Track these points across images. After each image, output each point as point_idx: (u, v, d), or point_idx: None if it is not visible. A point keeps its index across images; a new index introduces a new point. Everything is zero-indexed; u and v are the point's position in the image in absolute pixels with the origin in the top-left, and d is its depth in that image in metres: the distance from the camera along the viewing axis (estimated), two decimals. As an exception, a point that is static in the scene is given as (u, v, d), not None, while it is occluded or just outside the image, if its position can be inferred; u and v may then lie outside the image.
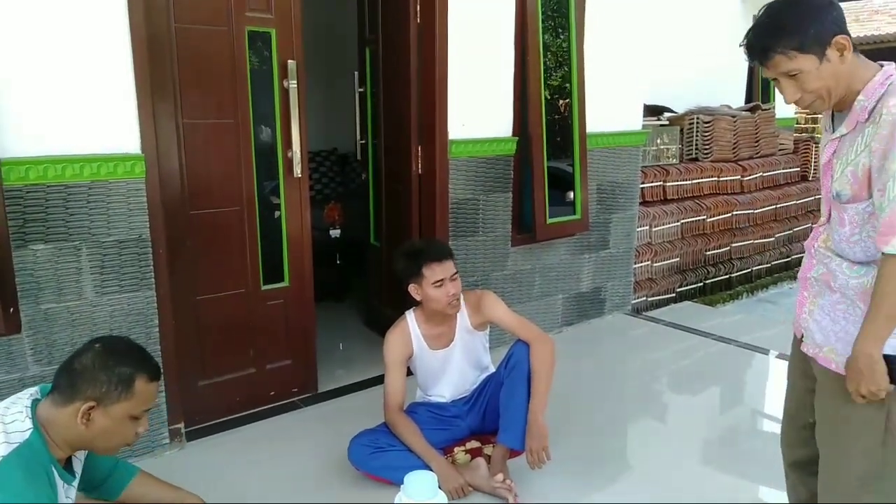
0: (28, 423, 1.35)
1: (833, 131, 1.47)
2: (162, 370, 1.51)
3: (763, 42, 1.36)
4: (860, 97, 1.37)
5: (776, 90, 5.04)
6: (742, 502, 2.22)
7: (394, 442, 2.30)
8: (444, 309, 2.31)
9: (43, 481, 1.33)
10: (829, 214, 1.51)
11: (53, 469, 1.38)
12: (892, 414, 1.43)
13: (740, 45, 1.42)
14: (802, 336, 1.61)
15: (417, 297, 2.35)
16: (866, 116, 1.37)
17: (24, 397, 1.42)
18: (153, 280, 2.47)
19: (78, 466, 1.52)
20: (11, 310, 2.17)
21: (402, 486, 1.85)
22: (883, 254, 1.34)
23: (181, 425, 2.62)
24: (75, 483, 1.48)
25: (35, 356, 2.31)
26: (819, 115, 1.64)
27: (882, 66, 1.39)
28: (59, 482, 1.40)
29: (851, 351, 1.40)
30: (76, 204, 2.30)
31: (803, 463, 1.68)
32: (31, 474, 1.30)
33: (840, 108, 1.44)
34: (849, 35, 1.35)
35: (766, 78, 1.45)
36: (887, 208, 1.31)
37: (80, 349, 1.43)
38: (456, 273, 2.33)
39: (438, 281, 2.28)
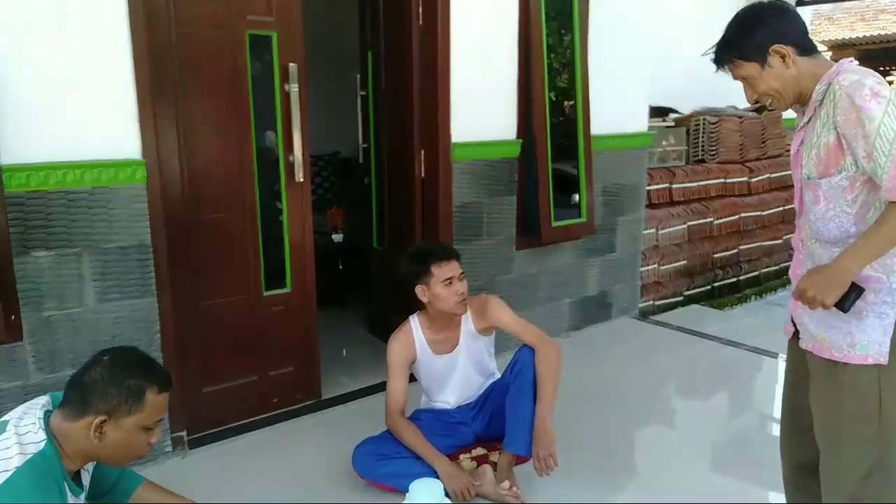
0: (42, 435, 1.35)
1: (801, 124, 1.60)
2: (172, 380, 1.49)
3: (716, 54, 1.62)
4: (816, 87, 1.51)
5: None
6: (747, 502, 2.19)
7: (398, 449, 2.28)
8: (452, 309, 2.29)
9: (55, 494, 1.32)
10: (802, 203, 1.60)
11: (65, 482, 1.37)
12: (884, 400, 1.47)
13: (702, 55, 1.67)
14: (796, 334, 1.65)
15: (424, 299, 2.33)
16: (820, 99, 1.50)
17: (37, 407, 1.42)
18: (155, 286, 2.46)
19: (86, 478, 1.51)
20: (13, 317, 2.17)
21: (407, 493, 1.83)
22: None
23: (184, 433, 2.60)
24: (82, 496, 1.47)
25: (37, 364, 2.30)
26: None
27: (840, 62, 1.52)
28: (69, 495, 1.39)
29: (832, 262, 1.46)
30: (78, 210, 2.29)
31: (809, 467, 1.67)
32: (44, 486, 1.30)
33: (805, 102, 1.57)
34: (792, 44, 1.51)
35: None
36: (886, 165, 1.37)
37: (89, 362, 1.43)
38: (463, 273, 2.32)
39: (447, 279, 2.27)
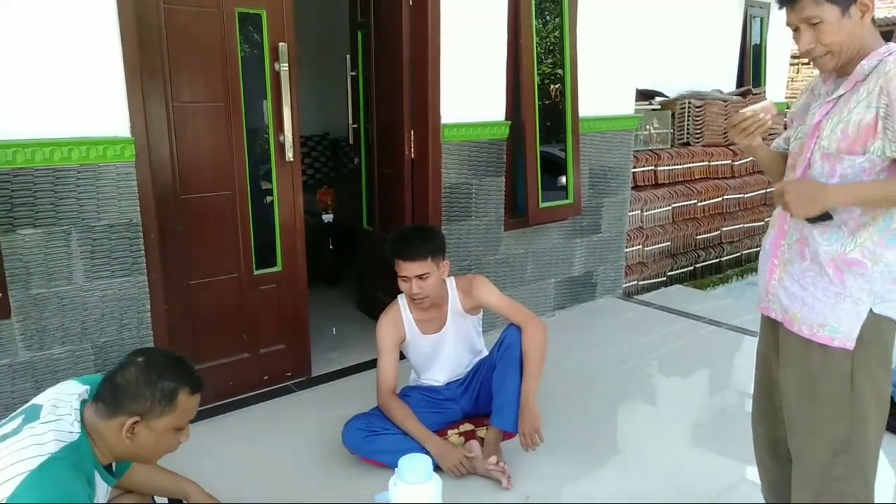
0: (77, 427, 1.36)
1: (831, 95, 1.51)
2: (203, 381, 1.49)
3: None
4: (863, 61, 1.43)
5: (766, 74, 5.00)
6: (730, 502, 2.25)
7: (388, 425, 2.32)
8: (411, 300, 2.35)
9: (84, 487, 1.32)
10: (806, 174, 1.53)
11: (97, 473, 1.39)
12: (855, 380, 1.47)
13: None
14: (770, 306, 1.63)
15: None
16: (864, 77, 1.43)
17: (73, 397, 1.42)
18: (144, 265, 2.46)
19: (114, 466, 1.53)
20: (0, 295, 2.16)
21: (396, 469, 1.86)
22: None
23: (174, 410, 2.62)
24: (114, 483, 1.49)
25: (25, 342, 2.30)
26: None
27: (888, 43, 1.46)
28: (103, 485, 1.41)
29: (823, 184, 1.45)
30: (65, 188, 2.28)
31: (783, 445, 1.68)
32: (75, 476, 1.30)
33: (843, 74, 1.49)
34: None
35: (788, 25, 1.49)
36: None
37: (123, 362, 1.43)
38: (427, 273, 2.28)
39: (403, 277, 2.30)
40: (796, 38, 1.48)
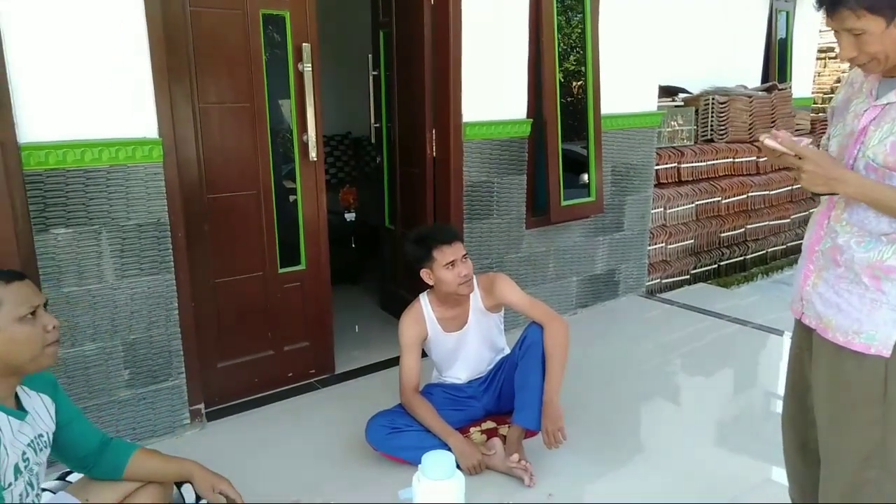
0: None
1: (877, 97, 1.42)
2: (20, 271, 1.47)
3: None
4: None
5: (792, 69, 4.90)
6: (749, 502, 2.21)
7: (411, 422, 2.33)
8: (456, 290, 2.33)
9: None
10: None
11: None
12: (889, 385, 1.43)
13: None
14: (803, 311, 1.59)
15: (430, 282, 2.37)
16: None
17: None
18: (172, 263, 2.50)
19: (34, 404, 1.51)
20: (35, 293, 2.21)
21: (419, 465, 1.88)
22: None
23: (201, 406, 2.67)
24: (29, 419, 1.48)
25: (58, 338, 2.35)
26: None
27: None
28: (6, 420, 1.40)
29: (841, 168, 1.39)
30: (95, 188, 2.33)
31: (812, 448, 1.65)
32: None
33: (892, 75, 1.39)
34: None
35: (829, 27, 1.39)
36: None
37: None
38: (466, 254, 2.35)
39: (449, 262, 2.30)
40: (838, 42, 1.37)
